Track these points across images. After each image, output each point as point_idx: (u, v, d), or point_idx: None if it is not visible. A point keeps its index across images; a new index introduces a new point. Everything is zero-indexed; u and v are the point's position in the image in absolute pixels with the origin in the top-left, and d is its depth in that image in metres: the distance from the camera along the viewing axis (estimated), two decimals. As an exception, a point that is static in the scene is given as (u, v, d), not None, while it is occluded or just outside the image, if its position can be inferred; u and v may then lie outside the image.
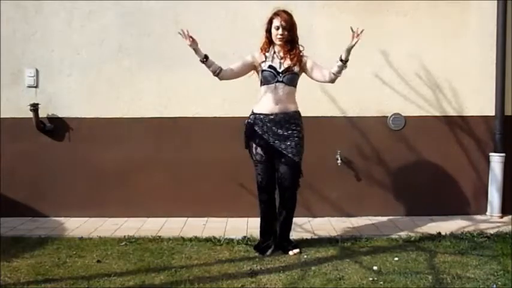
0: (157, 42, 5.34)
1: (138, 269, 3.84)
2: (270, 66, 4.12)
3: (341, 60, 4.03)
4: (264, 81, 4.13)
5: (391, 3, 5.29)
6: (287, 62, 4.12)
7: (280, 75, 4.10)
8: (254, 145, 4.18)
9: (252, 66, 4.22)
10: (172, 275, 3.71)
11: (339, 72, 4.06)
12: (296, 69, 4.14)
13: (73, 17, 5.35)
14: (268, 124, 4.12)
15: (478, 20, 5.33)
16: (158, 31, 5.34)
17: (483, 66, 5.34)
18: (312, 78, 4.23)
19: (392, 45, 5.30)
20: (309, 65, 4.17)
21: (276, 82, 4.10)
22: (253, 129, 4.17)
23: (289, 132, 4.12)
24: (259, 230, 4.35)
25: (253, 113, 4.20)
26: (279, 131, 4.11)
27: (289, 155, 4.10)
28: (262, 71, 4.14)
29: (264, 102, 4.15)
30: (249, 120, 4.21)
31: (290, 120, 4.14)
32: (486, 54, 5.32)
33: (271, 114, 4.11)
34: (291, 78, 4.12)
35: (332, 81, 4.14)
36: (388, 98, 5.33)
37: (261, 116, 4.15)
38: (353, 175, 5.37)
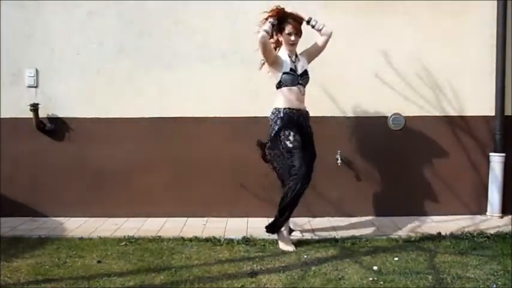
0: (157, 42, 5.34)
1: (138, 269, 3.84)
2: (292, 69, 4.32)
3: (312, 26, 4.44)
4: (285, 83, 4.32)
5: (391, 3, 5.29)
6: (302, 66, 4.40)
7: (300, 78, 4.35)
8: (292, 133, 4.29)
9: (273, 58, 4.32)
10: (172, 275, 3.71)
11: (319, 27, 4.43)
12: (308, 70, 4.46)
13: (73, 17, 5.35)
14: (300, 118, 4.39)
15: (478, 20, 5.32)
16: (158, 31, 5.34)
17: (483, 66, 5.33)
18: (318, 51, 4.53)
19: (393, 45, 5.30)
20: (310, 52, 4.51)
21: (297, 85, 4.35)
22: (289, 119, 4.31)
23: (309, 126, 4.48)
24: (278, 220, 4.37)
25: (283, 107, 4.32)
26: (305, 124, 4.43)
27: (311, 145, 4.48)
28: (284, 73, 4.30)
29: (288, 100, 4.34)
30: (284, 112, 4.31)
31: (308, 117, 4.48)
32: (486, 54, 5.32)
33: (299, 110, 4.39)
34: (307, 80, 4.43)
35: (327, 36, 4.47)
36: (388, 98, 5.33)
37: (292, 110, 4.34)
38: (353, 175, 5.37)
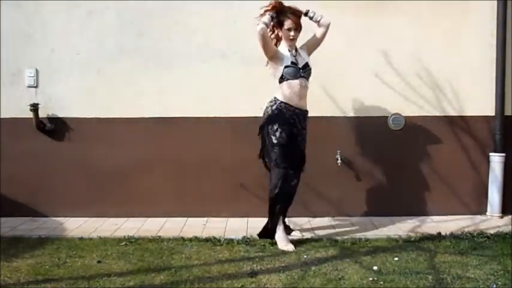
0: (157, 42, 5.34)
1: (138, 269, 3.84)
2: (293, 63, 4.34)
3: (310, 18, 4.45)
4: (287, 77, 4.32)
5: (391, 3, 5.28)
6: (303, 59, 4.40)
7: (301, 70, 4.35)
8: (279, 129, 4.32)
9: (273, 52, 4.32)
10: (172, 275, 3.70)
11: (317, 18, 4.44)
12: (310, 63, 4.46)
13: (73, 17, 5.35)
14: (294, 116, 4.36)
15: (478, 20, 5.32)
16: (158, 31, 5.34)
17: (483, 66, 5.33)
18: (317, 43, 4.53)
19: (393, 45, 5.30)
20: (309, 44, 4.52)
21: (300, 77, 4.33)
22: (281, 113, 4.33)
23: (303, 127, 4.44)
24: (269, 224, 4.41)
25: (280, 101, 4.34)
26: (298, 124, 4.39)
27: (301, 147, 4.45)
28: (286, 66, 4.31)
29: (289, 95, 4.34)
30: (277, 106, 4.33)
31: (305, 117, 4.46)
32: (486, 54, 5.31)
33: (296, 108, 4.36)
34: (309, 73, 4.43)
35: (325, 27, 4.46)
36: (388, 98, 5.33)
37: (287, 106, 4.33)
38: (353, 175, 5.37)
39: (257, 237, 4.48)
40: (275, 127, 4.32)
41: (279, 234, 4.39)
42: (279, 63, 4.33)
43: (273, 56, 4.33)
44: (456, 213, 5.30)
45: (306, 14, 4.44)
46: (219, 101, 5.34)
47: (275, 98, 4.37)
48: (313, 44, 4.52)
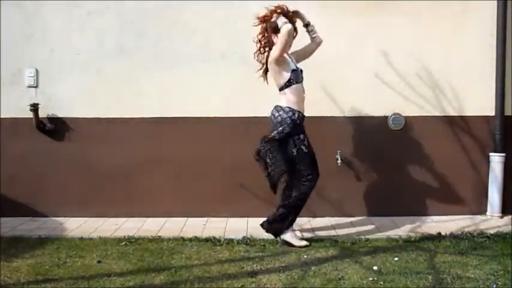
0: (157, 42, 5.34)
1: (138, 269, 3.85)
2: (296, 67, 4.39)
3: (307, 31, 4.51)
4: (294, 80, 4.32)
5: (391, 3, 5.28)
6: (297, 65, 4.46)
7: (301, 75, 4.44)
8: (306, 138, 4.36)
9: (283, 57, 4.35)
10: (172, 275, 3.71)
11: (313, 34, 4.51)
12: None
13: (73, 17, 5.35)
14: (303, 122, 4.42)
15: (478, 20, 5.32)
16: (158, 31, 5.34)
17: (483, 66, 5.33)
18: (307, 54, 4.59)
19: (393, 45, 5.30)
20: (298, 54, 4.54)
21: (301, 82, 4.39)
22: (300, 122, 4.36)
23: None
24: (284, 223, 4.40)
25: (297, 110, 4.32)
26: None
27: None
28: (293, 70, 4.33)
29: (295, 99, 4.33)
30: (297, 115, 4.31)
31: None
32: (486, 54, 5.31)
33: (303, 113, 4.40)
34: (303, 78, 4.45)
35: (317, 45, 4.56)
36: (388, 98, 5.33)
37: (301, 114, 4.37)
38: (353, 175, 5.37)
39: (257, 238, 4.48)
40: (301, 136, 4.33)
41: (291, 233, 4.41)
42: (285, 67, 4.31)
43: (281, 61, 4.30)
44: (456, 213, 5.30)
45: (306, 25, 4.47)
46: (219, 101, 5.34)
47: (289, 107, 4.28)
48: (302, 56, 4.57)
